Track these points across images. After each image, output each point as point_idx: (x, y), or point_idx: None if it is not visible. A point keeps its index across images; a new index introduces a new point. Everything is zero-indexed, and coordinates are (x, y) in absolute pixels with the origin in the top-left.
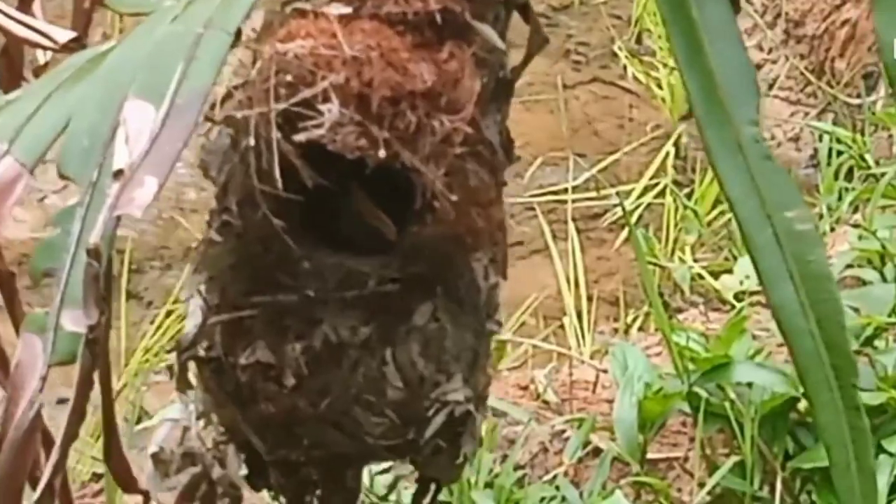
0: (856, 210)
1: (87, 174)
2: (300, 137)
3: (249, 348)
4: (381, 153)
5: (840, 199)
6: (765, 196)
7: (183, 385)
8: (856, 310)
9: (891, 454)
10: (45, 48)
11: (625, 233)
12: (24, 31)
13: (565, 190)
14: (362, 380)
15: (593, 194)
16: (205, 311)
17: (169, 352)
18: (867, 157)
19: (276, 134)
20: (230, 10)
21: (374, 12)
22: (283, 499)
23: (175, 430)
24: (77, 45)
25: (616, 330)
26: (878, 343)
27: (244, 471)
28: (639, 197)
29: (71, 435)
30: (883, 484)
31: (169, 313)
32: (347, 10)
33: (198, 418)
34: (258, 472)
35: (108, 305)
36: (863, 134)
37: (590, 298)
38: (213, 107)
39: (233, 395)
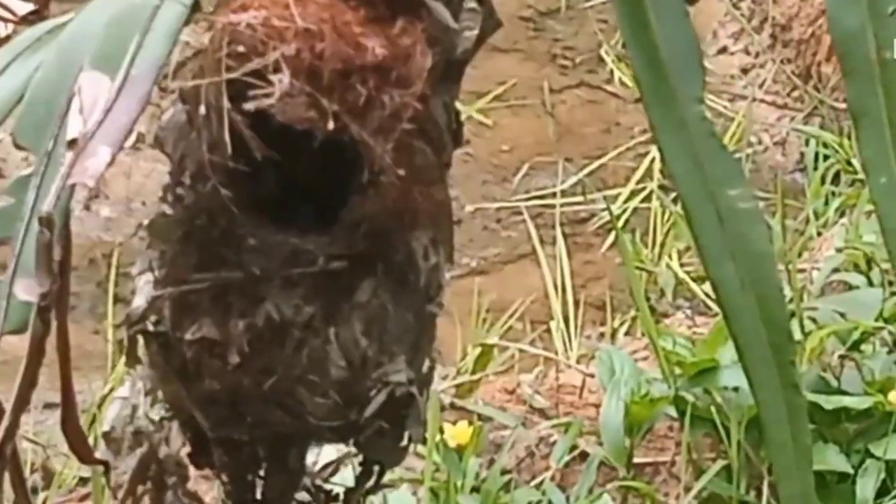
0: (842, 214)
1: (42, 144)
2: (249, 106)
3: (196, 324)
4: (330, 125)
5: (827, 203)
6: (708, 174)
7: (132, 360)
8: (842, 314)
9: (878, 458)
10: (4, 21)
11: (612, 237)
12: None
13: (553, 194)
14: (306, 359)
15: (580, 199)
16: (154, 286)
17: (118, 326)
18: (854, 161)
19: (226, 103)
20: None
21: None
22: (225, 477)
23: (125, 409)
24: (37, 17)
25: (603, 334)
26: (865, 348)
27: (187, 448)
28: (626, 201)
29: (22, 401)
30: (870, 488)
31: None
32: None
33: (145, 395)
34: (201, 450)
35: (66, 277)
36: (849, 138)
37: (577, 303)
38: (166, 77)
39: (178, 371)
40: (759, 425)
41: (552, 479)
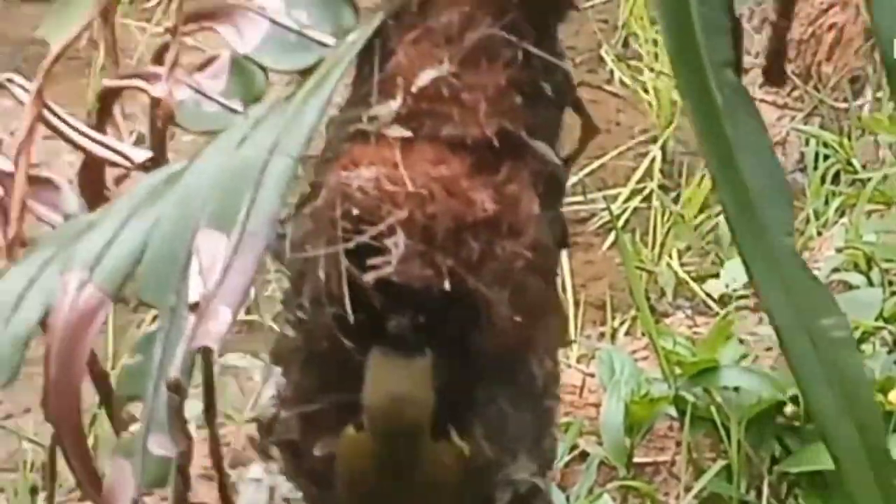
0: (842, 214)
1: (166, 300)
2: (369, 278)
3: (323, 440)
4: (446, 284)
5: (827, 203)
6: (801, 305)
7: (265, 455)
8: None
9: None
10: (122, 167)
11: (612, 237)
12: (102, 151)
13: None
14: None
15: (580, 198)
16: (280, 399)
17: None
18: (854, 161)
19: (344, 265)
20: (295, 131)
21: (433, 135)
22: None
23: (260, 490)
24: (153, 164)
25: (603, 334)
26: (865, 347)
27: None
28: (626, 201)
29: None
30: None
31: (155, 318)
32: (407, 133)
33: (280, 473)
34: None
35: (212, 388)
36: (849, 138)
37: (577, 302)
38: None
39: (310, 476)
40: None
41: (552, 478)
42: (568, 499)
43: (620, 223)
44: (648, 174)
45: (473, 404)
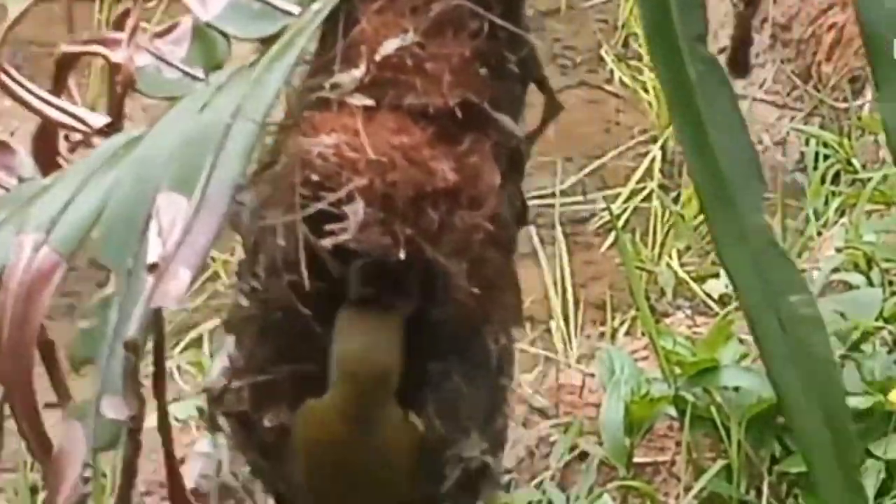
0: (842, 214)
1: (123, 263)
2: (326, 243)
3: (273, 411)
4: (402, 254)
5: (827, 203)
6: (769, 281)
7: (213, 427)
8: (842, 314)
9: (877, 458)
10: (79, 132)
11: (612, 237)
12: (59, 116)
13: (552, 194)
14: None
15: (580, 198)
16: (232, 370)
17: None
18: (854, 161)
19: (302, 230)
20: (258, 97)
21: (396, 104)
22: None
23: (209, 464)
24: (111, 129)
25: (603, 334)
26: (865, 347)
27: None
28: (626, 201)
29: None
30: (870, 488)
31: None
32: (370, 102)
33: (228, 450)
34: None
35: (161, 362)
36: (849, 138)
37: (577, 302)
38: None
39: (259, 449)
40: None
41: (552, 478)
42: (568, 499)
43: (620, 223)
44: (648, 174)
45: (427, 380)
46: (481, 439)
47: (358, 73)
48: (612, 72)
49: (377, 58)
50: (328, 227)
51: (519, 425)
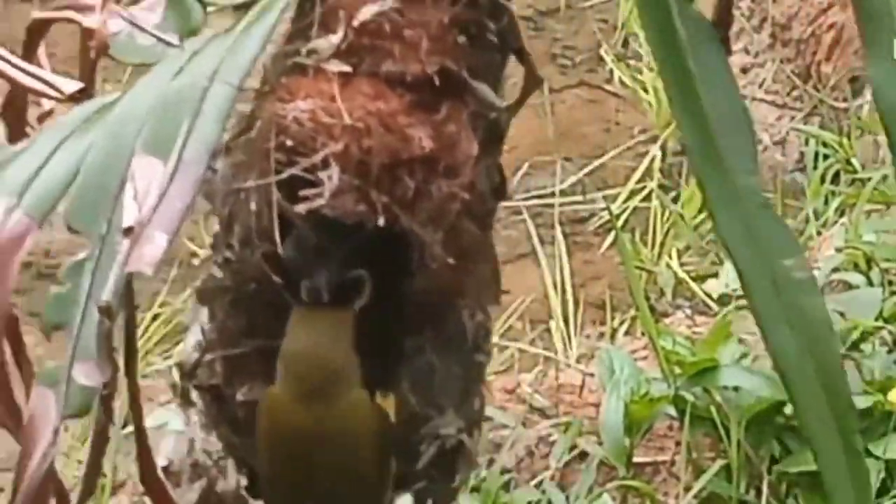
0: (842, 214)
1: (96, 228)
2: (301, 209)
3: (246, 385)
4: (381, 221)
5: (826, 203)
6: (763, 244)
7: (186, 402)
8: (842, 314)
9: (877, 458)
10: (50, 98)
11: (611, 237)
12: (29, 81)
13: (552, 194)
14: None
15: (580, 198)
16: (205, 343)
17: (170, 366)
18: (853, 161)
19: (275, 197)
20: (234, 61)
21: (373, 71)
22: None
23: (181, 442)
24: (83, 95)
25: (602, 334)
26: (865, 347)
27: (245, 481)
28: (625, 201)
29: (89, 487)
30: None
31: (155, 317)
32: (346, 68)
33: (201, 428)
34: (259, 483)
35: (133, 337)
36: (849, 138)
37: (576, 302)
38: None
39: (230, 423)
40: (822, 491)
41: (552, 478)
42: (567, 498)
43: (620, 223)
44: (648, 174)
45: (402, 354)
46: (457, 417)
47: (335, 38)
48: (611, 71)
49: (355, 24)
50: (302, 192)
51: (518, 425)
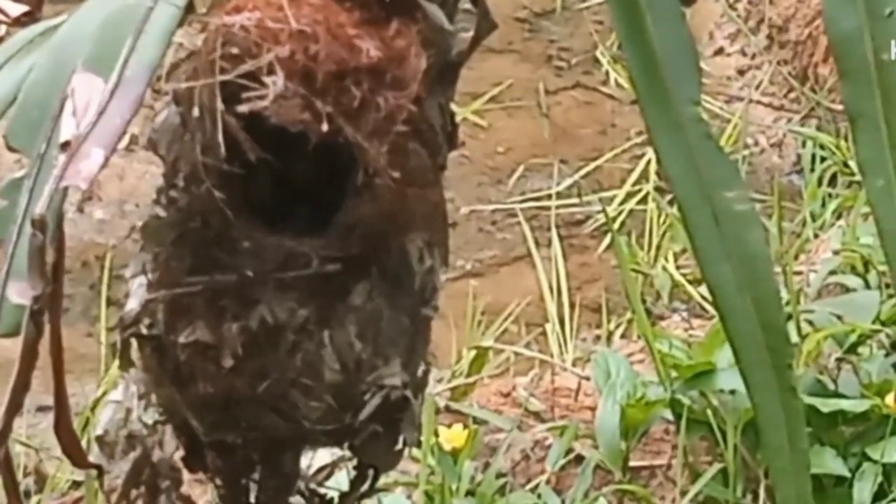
0: (839, 216)
1: (35, 146)
2: (243, 108)
3: (189, 327)
4: (324, 127)
5: (824, 205)
6: (704, 176)
7: (125, 364)
8: (839, 317)
9: (875, 462)
10: None
11: (607, 239)
12: None
13: (548, 196)
14: (300, 362)
15: (576, 200)
16: (147, 289)
17: (111, 329)
18: (851, 163)
19: (219, 105)
20: None
21: None
22: (218, 481)
23: (118, 412)
24: (30, 19)
25: (598, 337)
26: (862, 350)
27: (181, 452)
28: (621, 203)
29: (15, 404)
30: (867, 492)
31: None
32: None
33: (139, 399)
34: (195, 453)
35: (59, 280)
36: (846, 140)
37: (572, 305)
38: (159, 79)
39: (172, 375)
40: (756, 428)
41: (547, 482)
42: (563, 502)
43: (616, 225)
44: (644, 176)
45: (347, 298)
46: (403, 371)
47: None
48: (607, 73)
49: None
50: (245, 94)
51: (514, 428)
